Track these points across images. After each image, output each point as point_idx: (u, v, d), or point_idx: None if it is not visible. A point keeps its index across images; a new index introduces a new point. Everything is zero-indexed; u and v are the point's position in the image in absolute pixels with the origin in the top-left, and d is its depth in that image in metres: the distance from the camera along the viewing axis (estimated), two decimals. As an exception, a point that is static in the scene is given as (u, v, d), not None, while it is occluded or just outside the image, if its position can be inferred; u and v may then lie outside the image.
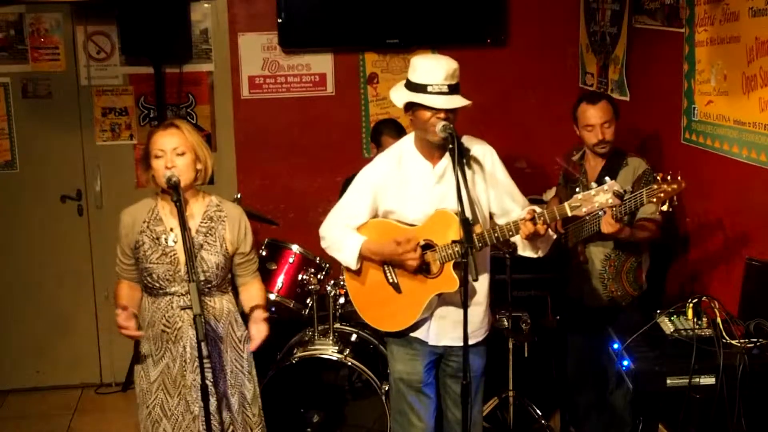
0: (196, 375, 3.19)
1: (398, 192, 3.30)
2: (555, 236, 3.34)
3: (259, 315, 3.31)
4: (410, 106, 3.20)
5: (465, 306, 2.94)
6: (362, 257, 3.35)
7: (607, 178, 3.03)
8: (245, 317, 3.38)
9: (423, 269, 3.25)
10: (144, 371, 3.26)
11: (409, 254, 3.20)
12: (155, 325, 3.22)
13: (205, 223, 3.23)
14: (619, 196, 2.96)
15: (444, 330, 3.34)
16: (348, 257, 3.36)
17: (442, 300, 3.29)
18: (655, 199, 3.19)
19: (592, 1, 5.14)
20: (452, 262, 3.17)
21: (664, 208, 3.19)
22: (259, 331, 3.29)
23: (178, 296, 3.20)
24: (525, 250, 3.29)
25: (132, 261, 3.26)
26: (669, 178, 3.17)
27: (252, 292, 3.38)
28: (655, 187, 3.18)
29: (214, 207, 3.29)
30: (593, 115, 3.84)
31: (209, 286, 3.21)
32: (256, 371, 3.40)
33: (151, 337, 3.23)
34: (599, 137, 3.83)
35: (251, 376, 3.37)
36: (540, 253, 3.28)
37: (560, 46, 5.46)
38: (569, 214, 3.04)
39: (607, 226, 3.48)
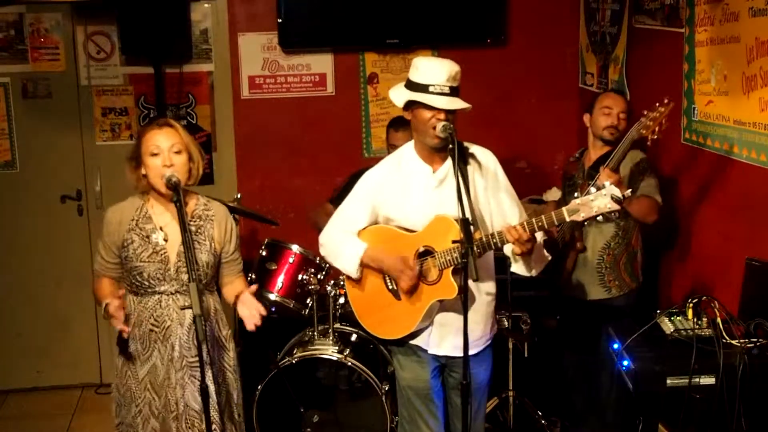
0: (183, 373, 3.19)
1: (398, 197, 3.28)
2: (550, 257, 3.30)
3: (246, 295, 3.19)
4: (409, 106, 3.18)
5: (465, 306, 2.93)
6: (363, 265, 3.34)
7: (606, 183, 2.97)
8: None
9: (422, 275, 3.23)
10: (132, 371, 3.23)
11: (406, 273, 3.20)
12: (142, 325, 3.19)
13: (195, 222, 3.22)
14: (618, 201, 2.92)
15: (445, 338, 3.30)
16: (349, 265, 3.34)
17: (443, 307, 3.26)
18: (644, 130, 3.44)
19: (592, 1, 5.14)
20: (451, 268, 3.14)
21: (654, 136, 3.46)
22: (249, 302, 3.16)
23: (167, 295, 3.18)
24: (517, 267, 3.26)
25: (116, 260, 3.22)
26: (657, 104, 3.45)
27: (236, 285, 3.32)
28: (642, 119, 3.46)
29: (202, 206, 3.28)
30: (613, 102, 3.98)
31: (199, 284, 3.19)
32: (253, 372, 3.37)
33: (138, 336, 3.20)
34: (613, 122, 3.92)
35: (237, 376, 3.36)
36: (533, 272, 3.24)
37: (560, 46, 5.46)
38: (567, 219, 2.99)
39: (606, 177, 3.46)
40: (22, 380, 5.38)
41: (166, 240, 3.17)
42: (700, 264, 3.98)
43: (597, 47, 5.10)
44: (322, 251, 3.47)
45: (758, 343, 3.02)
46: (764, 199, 3.42)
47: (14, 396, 5.32)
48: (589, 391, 4.07)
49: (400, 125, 4.50)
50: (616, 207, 2.94)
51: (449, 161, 3.19)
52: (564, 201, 3.93)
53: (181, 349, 3.19)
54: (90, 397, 5.32)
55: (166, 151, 3.11)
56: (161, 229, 3.18)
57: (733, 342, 3.04)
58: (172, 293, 3.19)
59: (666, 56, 4.21)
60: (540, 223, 3.01)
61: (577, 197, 2.98)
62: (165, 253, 3.17)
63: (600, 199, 2.94)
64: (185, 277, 3.14)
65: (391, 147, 4.32)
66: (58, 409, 5.15)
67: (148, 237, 3.17)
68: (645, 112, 3.49)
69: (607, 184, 2.98)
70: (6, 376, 5.34)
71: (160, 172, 3.09)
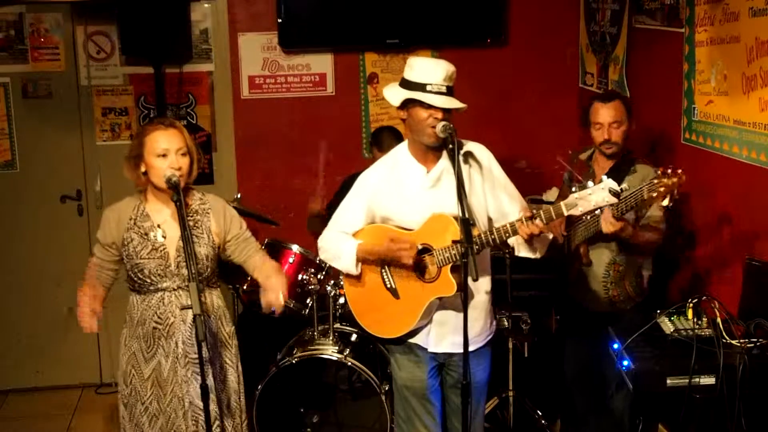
0: (187, 370, 3.20)
1: (393, 198, 3.28)
2: (551, 236, 3.31)
3: (269, 282, 3.25)
4: (405, 105, 3.17)
5: (465, 305, 2.93)
6: (360, 260, 3.33)
7: (604, 177, 2.99)
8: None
9: (420, 273, 3.24)
10: (136, 369, 3.24)
11: (403, 251, 3.16)
12: (146, 323, 3.21)
13: (192, 216, 3.23)
14: (615, 194, 2.92)
15: (443, 336, 3.31)
16: (347, 263, 3.34)
17: (442, 305, 3.27)
18: (655, 194, 3.15)
19: (592, 1, 5.14)
20: (449, 265, 3.15)
21: (665, 203, 3.17)
22: (271, 287, 3.22)
23: (170, 291, 3.20)
24: (522, 251, 3.27)
25: (111, 258, 3.24)
26: (669, 171, 3.14)
27: (255, 260, 3.33)
28: (656, 181, 3.15)
29: (198, 200, 3.29)
30: (603, 113, 3.78)
31: (200, 278, 3.18)
32: (253, 372, 3.38)
33: (142, 335, 3.22)
34: (605, 136, 3.78)
35: (239, 373, 3.37)
36: (538, 254, 3.25)
37: (560, 46, 5.46)
38: (565, 213, 3.00)
39: (608, 225, 3.44)
40: (22, 380, 5.38)
41: (164, 237, 3.18)
42: (700, 264, 3.98)
43: (597, 47, 5.10)
44: (322, 255, 3.48)
45: (758, 343, 3.02)
46: (764, 199, 3.42)
47: (14, 396, 5.32)
48: (591, 392, 4.06)
49: (383, 144, 4.49)
50: (614, 200, 2.95)
51: (443, 161, 3.20)
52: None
53: (185, 346, 3.20)
54: (90, 397, 5.32)
55: (173, 152, 3.11)
56: (159, 226, 3.19)
57: (733, 342, 3.04)
58: (174, 289, 3.20)
59: (666, 56, 4.21)
60: (539, 217, 3.03)
61: (575, 191, 2.99)
62: (164, 249, 3.18)
63: (598, 193, 2.95)
64: (186, 271, 3.14)
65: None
66: (58, 409, 5.15)
67: (146, 235, 3.18)
68: (659, 172, 3.20)
69: (604, 178, 2.98)
70: (6, 376, 5.34)
71: (164, 172, 3.09)
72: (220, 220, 3.28)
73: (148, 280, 3.18)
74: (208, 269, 3.24)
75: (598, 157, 3.94)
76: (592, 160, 3.97)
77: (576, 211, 2.99)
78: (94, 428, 4.91)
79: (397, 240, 3.20)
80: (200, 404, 3.15)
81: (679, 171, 3.14)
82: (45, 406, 5.22)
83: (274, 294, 3.20)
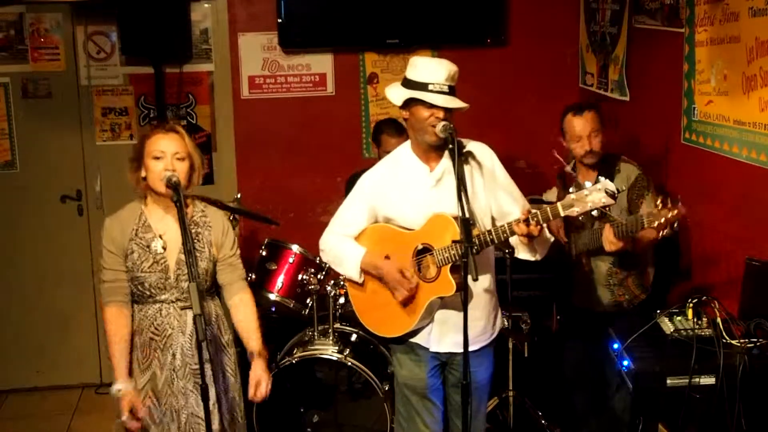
0: (187, 381, 3.19)
1: (395, 197, 3.28)
2: (552, 239, 3.31)
3: (261, 365, 3.25)
4: (407, 104, 3.18)
5: (465, 305, 2.93)
6: (363, 270, 3.34)
7: (600, 177, 2.99)
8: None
9: (420, 275, 3.24)
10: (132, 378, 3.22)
11: (404, 290, 3.21)
12: (143, 333, 3.18)
13: (193, 228, 3.21)
14: (612, 195, 2.93)
15: (445, 335, 3.31)
16: (349, 271, 3.35)
17: (444, 304, 3.27)
18: (656, 224, 3.18)
19: (592, 1, 5.14)
20: (449, 265, 3.15)
21: (665, 233, 3.18)
22: (262, 380, 3.24)
23: (168, 303, 3.18)
24: (521, 253, 3.27)
25: (125, 267, 3.18)
26: (670, 204, 3.14)
27: (247, 315, 3.30)
28: (656, 211, 3.17)
29: (200, 212, 3.27)
30: (580, 126, 3.81)
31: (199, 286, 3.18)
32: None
33: (138, 344, 3.19)
34: (586, 148, 3.79)
35: (238, 378, 3.36)
36: (538, 256, 3.25)
37: (560, 46, 5.46)
38: (562, 214, 3.00)
39: (609, 244, 3.46)
40: (22, 380, 5.38)
41: (164, 248, 3.17)
42: (700, 264, 3.98)
43: (597, 47, 5.11)
44: (323, 257, 3.48)
45: (758, 343, 3.02)
46: (764, 199, 3.42)
47: (14, 396, 5.32)
48: (591, 392, 4.06)
49: (395, 132, 4.48)
50: (611, 201, 2.95)
51: (446, 160, 3.21)
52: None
53: (184, 357, 3.18)
54: (90, 397, 5.32)
55: (169, 156, 3.11)
56: (160, 237, 3.18)
57: (733, 342, 3.04)
58: (172, 302, 3.18)
59: (666, 56, 4.21)
60: (536, 219, 3.02)
61: (571, 192, 2.99)
62: (165, 261, 3.16)
63: (594, 193, 2.95)
64: (185, 284, 3.14)
65: (384, 153, 4.32)
66: (58, 409, 5.15)
67: (148, 246, 3.16)
68: (659, 203, 3.19)
69: (601, 179, 2.99)
70: (6, 376, 5.34)
71: (161, 175, 3.08)
72: (218, 233, 3.26)
73: (147, 293, 3.17)
74: (207, 282, 3.23)
75: (580, 168, 3.94)
76: (577, 172, 3.97)
77: (572, 212, 2.99)
78: (94, 428, 4.90)
79: (405, 273, 3.21)
80: (201, 413, 3.13)
81: (679, 204, 3.15)
82: (45, 406, 5.22)
83: (259, 385, 3.23)
